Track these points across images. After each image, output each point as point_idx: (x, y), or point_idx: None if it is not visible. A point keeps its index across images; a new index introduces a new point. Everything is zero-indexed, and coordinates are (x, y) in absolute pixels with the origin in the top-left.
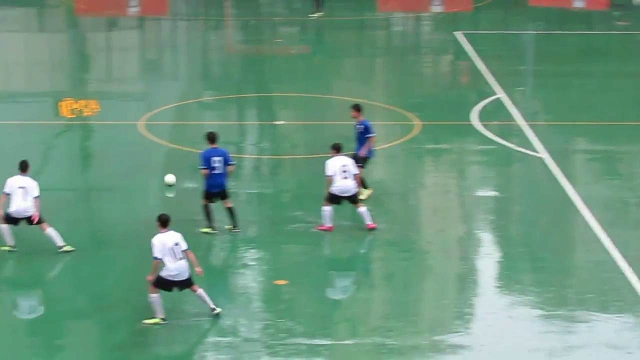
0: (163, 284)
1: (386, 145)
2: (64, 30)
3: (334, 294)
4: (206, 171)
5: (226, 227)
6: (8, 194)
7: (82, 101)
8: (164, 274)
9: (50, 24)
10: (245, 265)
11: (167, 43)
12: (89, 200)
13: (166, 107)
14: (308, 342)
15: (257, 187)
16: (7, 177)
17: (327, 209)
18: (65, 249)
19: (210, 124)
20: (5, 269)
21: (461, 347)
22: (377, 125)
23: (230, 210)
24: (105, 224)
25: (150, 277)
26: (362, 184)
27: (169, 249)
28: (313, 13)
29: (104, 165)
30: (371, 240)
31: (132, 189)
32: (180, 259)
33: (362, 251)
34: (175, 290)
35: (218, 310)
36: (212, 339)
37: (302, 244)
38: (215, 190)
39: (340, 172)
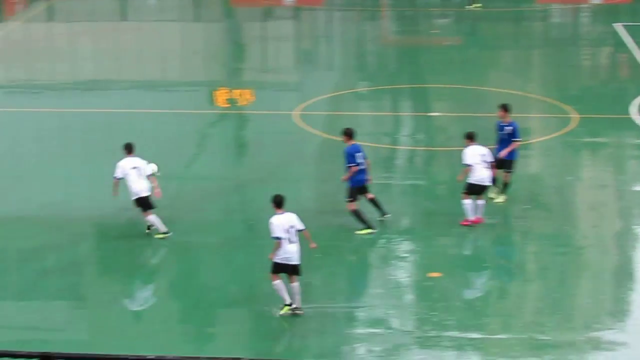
0: (277, 268)
1: (543, 138)
2: (220, 20)
3: (487, 288)
4: (356, 168)
5: (378, 219)
6: (120, 178)
7: (237, 91)
8: (278, 258)
9: (207, 14)
10: (398, 257)
11: (322, 33)
12: (243, 189)
13: (321, 97)
14: (460, 335)
15: (411, 178)
16: (160, 164)
17: (468, 202)
18: (164, 236)
19: (364, 114)
20: (159, 256)
21: (618, 344)
22: (534, 118)
23: (373, 202)
24: (259, 213)
25: (272, 256)
26: (504, 187)
27: (285, 230)
28: (469, 4)
29: (258, 154)
30: (526, 234)
31: (286, 179)
32: (294, 242)
33: (516, 245)
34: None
35: (300, 312)
36: (363, 330)
37: (455, 236)
38: (361, 185)
39: (480, 161)
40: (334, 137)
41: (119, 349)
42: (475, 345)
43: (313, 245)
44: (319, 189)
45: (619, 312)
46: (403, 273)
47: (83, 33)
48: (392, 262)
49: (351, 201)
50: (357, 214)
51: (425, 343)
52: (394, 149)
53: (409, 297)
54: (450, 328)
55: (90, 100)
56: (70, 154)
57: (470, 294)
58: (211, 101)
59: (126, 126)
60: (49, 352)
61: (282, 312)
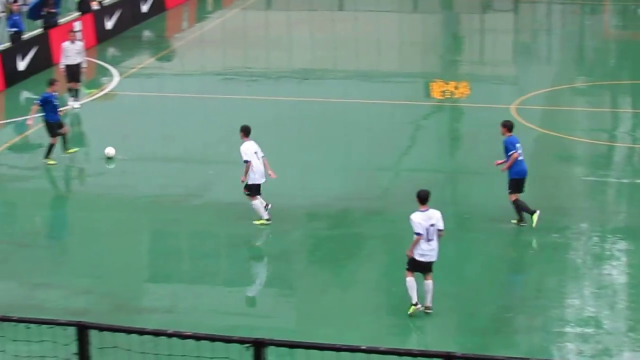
0: (413, 265)
1: None
2: (438, 11)
3: None
4: (517, 155)
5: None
6: (248, 161)
7: (453, 83)
8: (416, 255)
9: (425, 5)
10: (612, 257)
11: (541, 27)
12: (456, 182)
13: (538, 91)
14: None
15: (629, 176)
16: (373, 155)
17: None
18: (263, 222)
19: (582, 110)
20: (369, 246)
21: None
22: None
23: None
24: (472, 206)
25: (409, 253)
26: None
27: (425, 228)
28: None
29: (473, 148)
30: None
31: (499, 173)
32: (432, 240)
33: None
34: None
35: (430, 311)
36: (573, 329)
37: None
38: (523, 177)
39: None
40: (551, 132)
41: (327, 338)
42: None
43: None
44: (531, 185)
45: None
46: (617, 273)
47: (299, 22)
48: (606, 261)
49: (511, 193)
50: (517, 204)
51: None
52: (612, 145)
53: (622, 297)
54: None
55: (304, 89)
56: (284, 142)
57: None
58: (427, 93)
59: (340, 116)
60: (262, 339)
61: (410, 311)
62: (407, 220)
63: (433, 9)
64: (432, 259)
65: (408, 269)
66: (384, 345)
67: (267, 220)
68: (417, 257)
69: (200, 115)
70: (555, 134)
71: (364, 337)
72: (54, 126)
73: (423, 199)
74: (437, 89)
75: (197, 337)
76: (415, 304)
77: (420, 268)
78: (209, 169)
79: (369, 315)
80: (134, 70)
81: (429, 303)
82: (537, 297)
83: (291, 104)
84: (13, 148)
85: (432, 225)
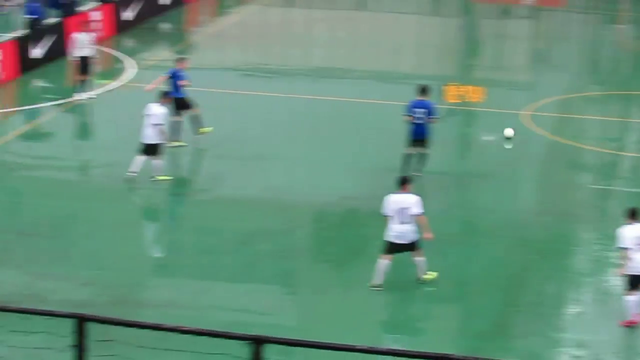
0: (387, 247)
1: None
2: (458, 15)
3: None
4: (409, 118)
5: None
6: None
7: (468, 87)
8: (388, 236)
9: (445, 9)
10: (614, 265)
11: (559, 35)
12: (464, 185)
13: (552, 99)
14: None
15: (636, 186)
16: (382, 155)
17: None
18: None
19: (593, 118)
20: (374, 247)
21: None
22: None
23: (422, 156)
24: (478, 210)
25: (621, 271)
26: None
27: (397, 210)
28: None
29: (483, 152)
30: None
31: (508, 178)
32: (405, 222)
33: None
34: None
35: (424, 278)
36: (571, 335)
37: None
38: (415, 138)
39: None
40: (561, 139)
41: (327, 337)
42: None
43: (428, 235)
44: (540, 191)
45: None
46: (617, 281)
47: (319, 20)
48: (608, 269)
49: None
50: (406, 159)
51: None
52: (621, 155)
53: (621, 306)
54: None
55: (320, 88)
56: (296, 139)
57: None
58: (441, 96)
59: (354, 115)
60: (262, 336)
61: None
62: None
63: (452, 13)
64: (406, 240)
65: (383, 251)
66: (382, 346)
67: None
68: (392, 239)
69: (214, 109)
70: (565, 141)
71: (364, 337)
72: (177, 101)
73: (399, 182)
74: (452, 92)
75: (197, 332)
76: (376, 285)
77: (396, 250)
78: (220, 165)
79: (369, 316)
80: (151, 62)
81: (419, 275)
82: (537, 303)
83: (306, 101)
84: (24, 136)
85: (404, 208)
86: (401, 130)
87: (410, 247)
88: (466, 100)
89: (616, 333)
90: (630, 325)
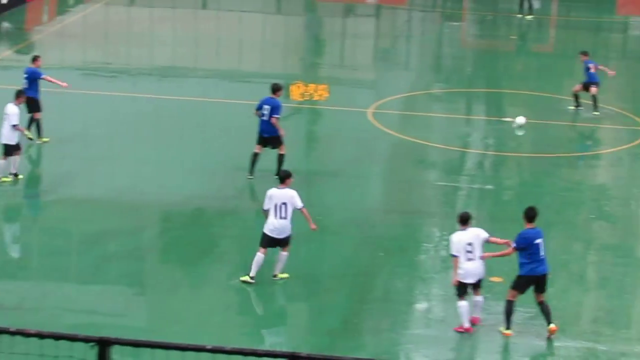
0: (264, 240)
1: (613, 149)
2: (302, 13)
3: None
4: (257, 113)
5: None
6: None
7: (313, 85)
8: (265, 229)
9: (289, 7)
10: None
11: (401, 33)
12: (311, 184)
13: (396, 96)
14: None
15: (479, 182)
16: (231, 154)
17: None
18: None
19: (437, 116)
20: (222, 246)
21: None
22: (605, 129)
23: (279, 157)
24: (326, 209)
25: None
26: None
27: (276, 204)
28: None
29: (330, 150)
30: (588, 243)
31: (355, 176)
32: (283, 217)
33: (578, 254)
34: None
35: (280, 276)
36: (420, 331)
37: None
38: (260, 135)
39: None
40: (406, 137)
41: (177, 337)
42: (526, 351)
43: (313, 226)
44: (387, 188)
45: None
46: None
47: (162, 19)
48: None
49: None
50: (253, 157)
51: (479, 345)
52: (464, 152)
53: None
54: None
55: (164, 87)
56: (141, 139)
57: (528, 301)
58: (286, 94)
59: (199, 115)
60: (107, 337)
61: (242, 278)
62: (261, 220)
63: (296, 11)
64: (281, 235)
65: (260, 244)
66: (232, 345)
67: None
68: (267, 232)
69: (57, 109)
70: (410, 139)
71: (214, 336)
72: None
73: (281, 177)
74: (297, 91)
75: (41, 335)
76: (250, 277)
77: (272, 243)
78: (65, 165)
79: (219, 315)
80: None
81: (276, 271)
82: (386, 300)
83: (150, 101)
84: None
85: (283, 203)
86: (247, 128)
87: (284, 242)
88: (311, 98)
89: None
90: (463, 332)
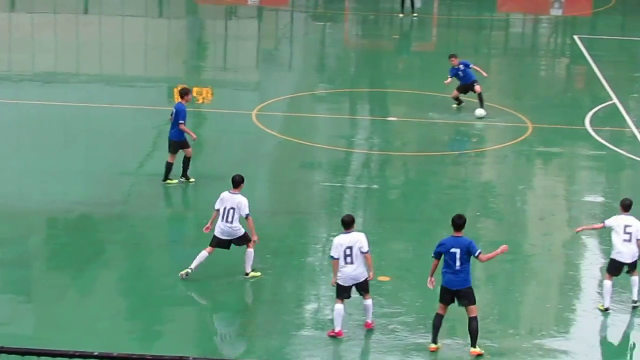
0: (213, 241)
1: (497, 146)
2: (183, 16)
3: (435, 293)
4: (170, 118)
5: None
6: None
7: (196, 88)
8: (216, 231)
9: (170, 10)
10: None
11: (284, 34)
12: (197, 187)
13: (280, 98)
14: (408, 338)
15: (365, 182)
16: (116, 160)
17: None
18: None
19: (322, 116)
20: (109, 252)
21: (560, 351)
22: (489, 126)
23: (185, 161)
24: (212, 212)
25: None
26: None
27: (223, 207)
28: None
29: (215, 153)
30: (475, 241)
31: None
32: (229, 222)
33: None
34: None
35: (251, 275)
36: (309, 332)
37: (406, 240)
38: (169, 139)
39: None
40: (291, 138)
41: (65, 344)
42: (419, 349)
43: (255, 238)
44: (273, 190)
45: (564, 320)
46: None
47: (44, 24)
48: None
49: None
50: (167, 165)
51: (377, 346)
52: (350, 152)
53: (358, 298)
54: (400, 331)
55: (48, 93)
56: (25, 146)
57: (419, 298)
58: (170, 98)
59: (82, 120)
60: None
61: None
62: (148, 224)
63: (178, 14)
64: (229, 237)
65: (210, 243)
66: (120, 351)
67: None
68: (216, 233)
69: None
70: (295, 140)
71: (102, 342)
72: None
73: (233, 182)
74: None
75: None
76: (191, 269)
77: (220, 244)
78: None
79: (107, 321)
80: None
81: (247, 270)
82: (275, 302)
83: (33, 107)
84: None
85: (231, 208)
86: (131, 133)
87: (237, 242)
88: (195, 102)
89: (354, 329)
90: (335, 336)
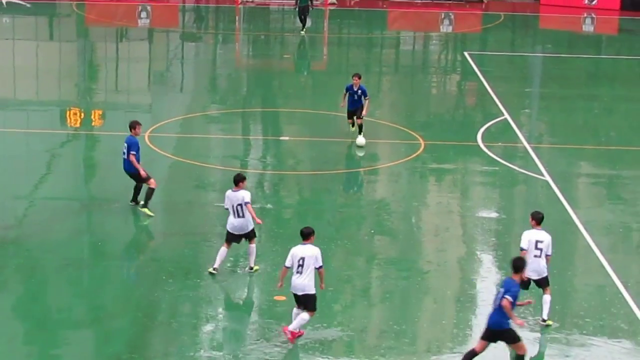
0: (227, 237)
1: (390, 164)
2: (74, 39)
3: (331, 312)
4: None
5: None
6: None
7: (89, 111)
8: (228, 227)
9: (61, 33)
10: (245, 278)
11: (175, 55)
12: (91, 210)
13: (172, 119)
14: (305, 357)
15: (259, 202)
16: (8, 184)
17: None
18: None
19: (215, 137)
20: (4, 275)
21: None
22: (382, 144)
23: (136, 189)
24: (107, 235)
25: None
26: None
27: (232, 205)
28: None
29: (108, 176)
30: (371, 258)
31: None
32: (240, 217)
33: (361, 269)
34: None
35: (255, 268)
36: (206, 353)
37: None
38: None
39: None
40: (184, 159)
41: None
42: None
43: (258, 220)
44: (167, 212)
45: (460, 336)
46: (247, 295)
47: None
48: (239, 283)
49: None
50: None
51: None
52: (244, 171)
53: (254, 319)
54: (296, 351)
55: None
56: None
57: (313, 318)
58: (63, 121)
59: None
60: None
61: (209, 269)
62: (43, 248)
63: (69, 37)
64: (241, 231)
65: (225, 240)
66: None
67: None
68: (230, 230)
69: None
70: (188, 160)
71: None
72: None
73: (234, 180)
74: (73, 118)
75: None
76: (213, 268)
77: (234, 239)
78: None
79: (4, 345)
80: None
81: (251, 264)
82: (172, 323)
83: None
84: None
85: (239, 204)
86: (23, 157)
87: (247, 236)
88: (88, 124)
89: (255, 347)
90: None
